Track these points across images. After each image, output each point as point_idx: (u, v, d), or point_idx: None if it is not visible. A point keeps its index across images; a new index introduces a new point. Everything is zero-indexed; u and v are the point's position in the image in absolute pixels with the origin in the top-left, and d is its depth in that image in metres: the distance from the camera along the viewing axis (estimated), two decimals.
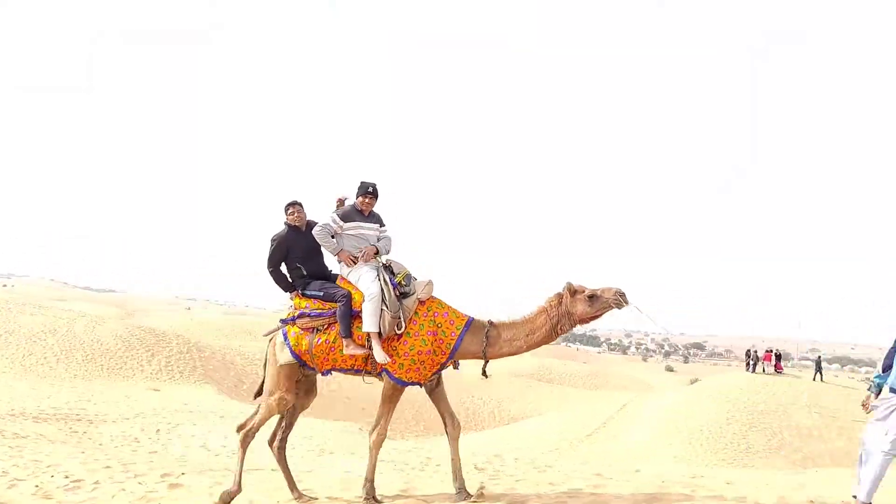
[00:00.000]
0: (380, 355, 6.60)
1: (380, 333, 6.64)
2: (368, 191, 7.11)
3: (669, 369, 73.90)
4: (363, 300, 6.70)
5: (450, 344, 6.75)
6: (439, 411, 7.10)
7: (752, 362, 34.79)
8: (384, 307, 6.69)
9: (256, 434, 7.13)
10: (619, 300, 6.48)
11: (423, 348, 6.67)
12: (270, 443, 7.39)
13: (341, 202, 7.22)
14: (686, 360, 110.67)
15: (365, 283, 6.79)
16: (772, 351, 35.36)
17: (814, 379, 33.20)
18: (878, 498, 6.37)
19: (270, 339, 7.23)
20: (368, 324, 6.64)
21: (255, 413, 7.15)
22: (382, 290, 6.72)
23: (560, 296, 6.69)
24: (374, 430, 6.81)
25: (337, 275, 7.13)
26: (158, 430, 16.67)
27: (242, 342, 43.43)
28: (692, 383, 41.03)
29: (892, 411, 6.27)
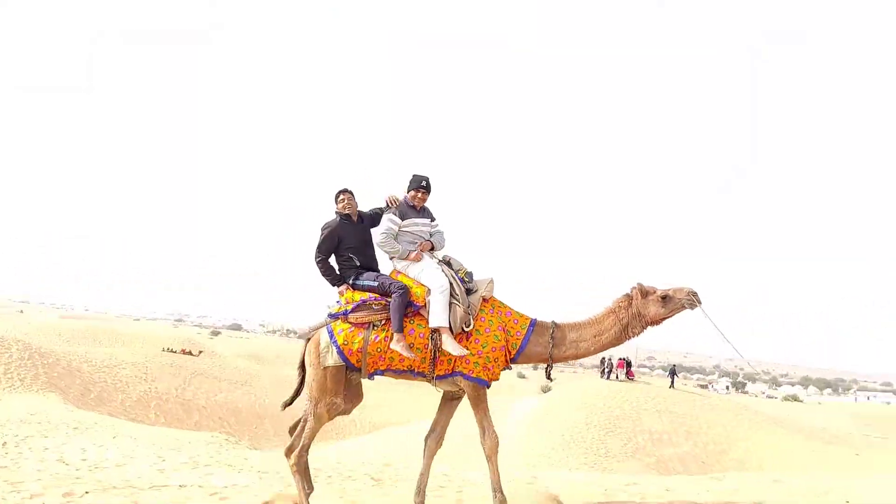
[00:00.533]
0: (456, 348, 6.16)
1: (450, 329, 6.25)
2: (422, 185, 6.77)
3: (521, 376, 75.74)
4: (427, 294, 6.35)
5: (515, 344, 6.45)
6: (436, 421, 6.79)
7: (606, 369, 36.40)
8: (455, 301, 6.35)
9: (309, 450, 6.55)
10: (693, 300, 6.37)
11: (497, 344, 6.35)
12: (288, 452, 6.71)
13: (393, 201, 6.86)
14: (535, 367, 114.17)
15: (431, 275, 6.43)
16: (624, 359, 37.14)
17: (671, 386, 35.69)
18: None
19: (309, 339, 6.58)
20: (439, 318, 6.23)
21: (301, 428, 6.54)
22: (451, 282, 6.39)
23: (629, 297, 6.51)
24: (484, 436, 6.36)
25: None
26: (4, 442, 15.24)
27: (88, 348, 40.76)
28: (545, 391, 42.32)
29: None
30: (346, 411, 6.66)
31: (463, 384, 6.34)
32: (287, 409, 6.99)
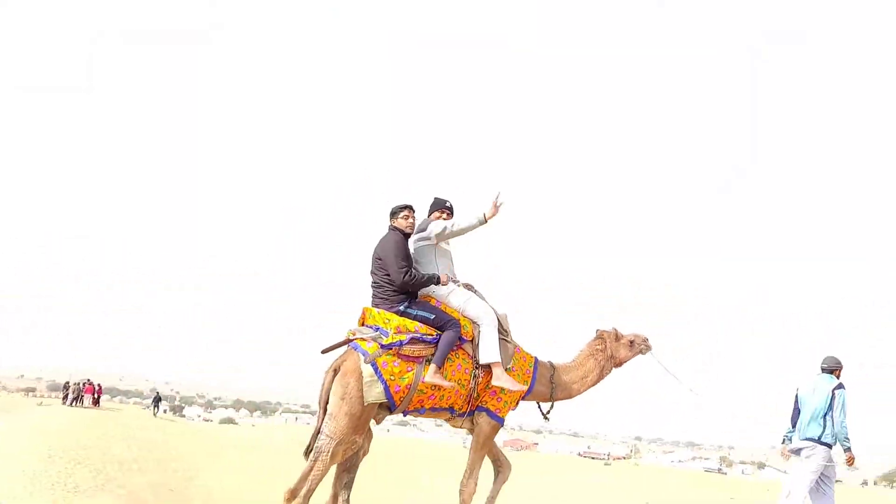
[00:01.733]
0: (513, 384, 5.98)
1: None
2: (446, 205, 6.44)
3: None
4: (477, 327, 6.03)
5: (527, 382, 6.31)
6: (493, 458, 6.49)
7: (73, 395, 34.57)
8: (503, 336, 6.12)
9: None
10: (648, 346, 6.76)
11: (521, 382, 6.22)
12: (291, 496, 5.69)
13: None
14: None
15: (478, 307, 6.10)
16: (92, 384, 35.99)
17: (155, 414, 35.99)
18: None
19: (336, 370, 5.76)
20: (492, 353, 5.94)
21: (311, 468, 5.59)
22: (498, 317, 6.15)
23: (603, 340, 6.69)
24: (467, 480, 6.03)
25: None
26: None
27: None
28: None
29: (813, 455, 7.44)
30: (367, 449, 6.10)
31: (482, 421, 6.10)
32: None
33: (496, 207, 6.09)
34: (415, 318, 5.89)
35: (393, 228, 6.19)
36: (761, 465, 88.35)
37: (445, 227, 6.14)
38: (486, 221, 6.10)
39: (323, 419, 5.69)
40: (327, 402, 5.70)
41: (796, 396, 7.94)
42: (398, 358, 5.71)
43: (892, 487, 78.50)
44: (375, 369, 5.62)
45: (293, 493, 5.60)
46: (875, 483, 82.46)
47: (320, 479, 5.59)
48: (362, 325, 5.96)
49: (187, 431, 31.14)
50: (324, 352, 6.02)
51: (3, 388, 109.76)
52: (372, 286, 6.11)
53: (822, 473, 7.57)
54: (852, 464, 7.54)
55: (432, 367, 5.74)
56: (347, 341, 5.93)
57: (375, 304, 6.03)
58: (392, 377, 5.67)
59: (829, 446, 7.50)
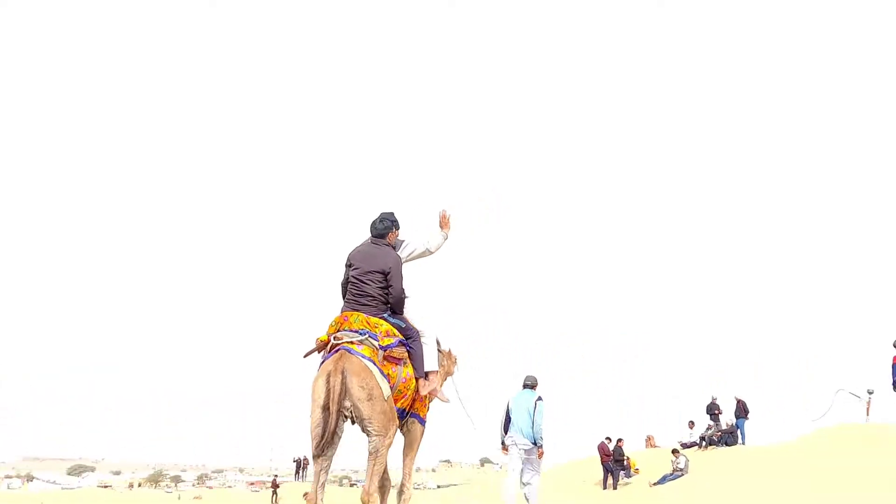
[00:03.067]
0: (425, 389, 6.19)
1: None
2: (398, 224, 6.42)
3: None
4: (422, 337, 6.17)
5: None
6: (384, 475, 6.27)
7: None
8: (439, 348, 6.51)
9: None
10: (457, 365, 7.17)
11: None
12: (368, 497, 5.49)
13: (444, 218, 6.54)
14: None
15: (426, 319, 6.31)
16: None
17: None
18: None
19: (348, 372, 5.41)
20: (434, 362, 6.21)
21: (373, 466, 5.45)
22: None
23: (442, 356, 6.83)
24: (407, 485, 6.17)
25: None
26: None
27: None
28: None
29: (524, 450, 10.09)
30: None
31: (415, 427, 6.27)
32: None
33: (447, 221, 6.38)
34: (393, 325, 5.97)
35: (386, 243, 6.15)
36: (30, 478, 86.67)
37: (427, 249, 6.34)
38: (448, 238, 6.42)
39: (336, 422, 5.36)
40: (339, 405, 5.37)
41: (507, 408, 10.31)
42: (384, 360, 5.72)
43: (156, 487, 76.04)
44: (377, 368, 5.62)
45: (369, 493, 5.49)
46: None
47: (381, 475, 5.63)
48: (339, 329, 5.78)
49: None
50: (306, 356, 5.97)
51: None
52: (355, 292, 5.95)
53: (528, 460, 10.18)
54: (541, 456, 10.16)
55: (422, 380, 6.03)
56: (330, 344, 5.77)
57: (354, 309, 5.89)
58: (387, 375, 5.71)
59: (534, 443, 10.07)
